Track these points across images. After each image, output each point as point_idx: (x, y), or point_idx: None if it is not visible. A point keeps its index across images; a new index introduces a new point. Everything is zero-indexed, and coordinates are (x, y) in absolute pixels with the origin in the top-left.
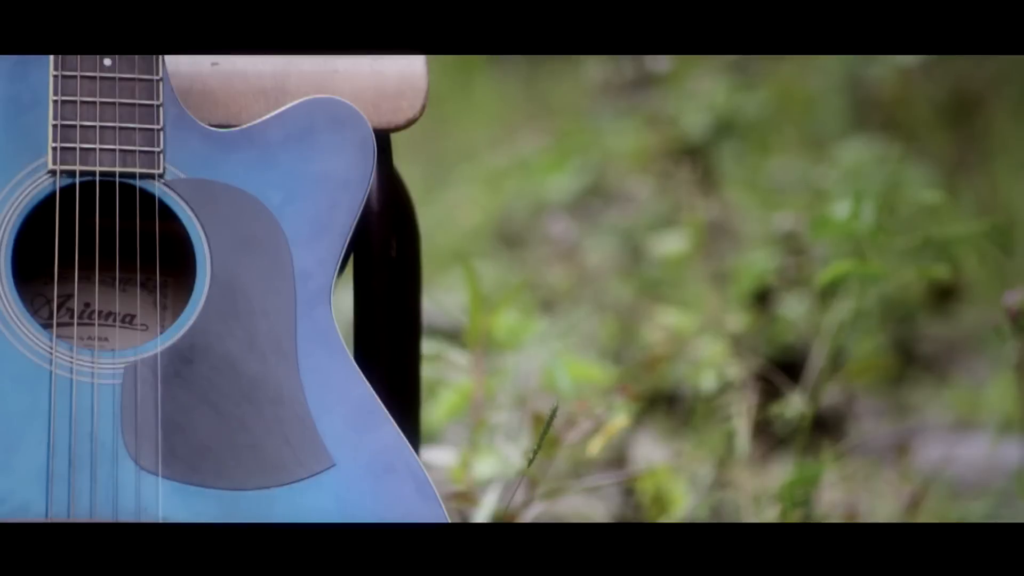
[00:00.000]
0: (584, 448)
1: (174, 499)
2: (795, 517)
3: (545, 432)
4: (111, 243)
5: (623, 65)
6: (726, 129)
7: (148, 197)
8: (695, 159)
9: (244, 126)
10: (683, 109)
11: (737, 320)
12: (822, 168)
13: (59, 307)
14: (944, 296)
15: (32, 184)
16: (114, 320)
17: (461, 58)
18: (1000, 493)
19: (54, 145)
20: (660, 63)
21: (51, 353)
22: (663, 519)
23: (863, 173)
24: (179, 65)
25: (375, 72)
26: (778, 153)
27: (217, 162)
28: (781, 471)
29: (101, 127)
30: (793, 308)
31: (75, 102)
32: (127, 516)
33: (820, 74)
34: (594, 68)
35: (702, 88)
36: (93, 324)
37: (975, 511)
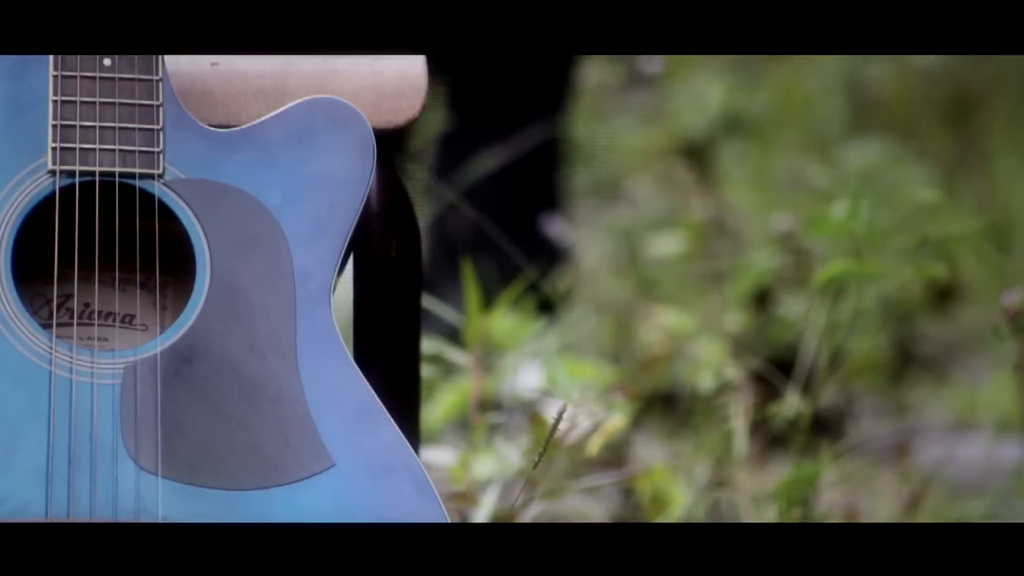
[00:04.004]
0: (583, 448)
1: (174, 499)
2: (793, 517)
3: (552, 434)
4: (111, 243)
5: (621, 65)
6: (725, 129)
7: (148, 197)
8: (693, 159)
9: (244, 126)
10: (682, 109)
11: (735, 320)
12: (821, 168)
13: (59, 307)
14: (943, 296)
15: (32, 184)
16: (114, 320)
17: None
18: (999, 493)
19: (54, 145)
20: (653, 64)
21: (51, 353)
22: (661, 519)
23: (862, 173)
24: (179, 65)
25: (375, 72)
26: (777, 153)
27: (217, 162)
28: (780, 471)
29: (101, 127)
30: (792, 308)
31: (75, 102)
32: (127, 516)
33: (820, 74)
34: (592, 68)
35: (701, 88)
36: (93, 324)
37: (975, 511)
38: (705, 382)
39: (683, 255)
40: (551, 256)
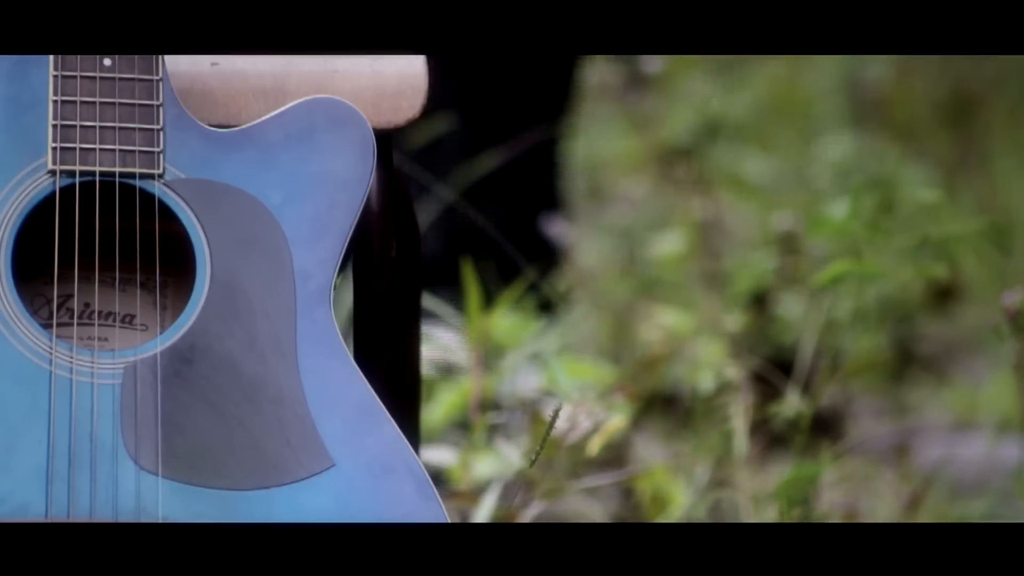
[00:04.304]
0: (583, 448)
1: (174, 499)
2: (793, 517)
3: (548, 431)
4: (111, 243)
5: (617, 65)
6: (722, 129)
7: (148, 197)
8: (690, 159)
9: (244, 126)
10: (678, 109)
11: (734, 320)
12: (820, 167)
13: (59, 307)
14: (943, 296)
15: (32, 184)
16: (114, 320)
17: None
18: (1000, 493)
19: (54, 145)
20: (652, 64)
21: (51, 353)
22: (661, 519)
23: (860, 172)
24: (179, 65)
25: (375, 72)
26: (775, 153)
27: (217, 162)
28: (780, 471)
29: (101, 127)
30: (791, 308)
31: (75, 102)
32: (127, 516)
33: (818, 74)
34: (589, 69)
35: (700, 88)
36: (93, 324)
37: (975, 511)
38: (705, 382)
39: (682, 255)
40: (551, 256)
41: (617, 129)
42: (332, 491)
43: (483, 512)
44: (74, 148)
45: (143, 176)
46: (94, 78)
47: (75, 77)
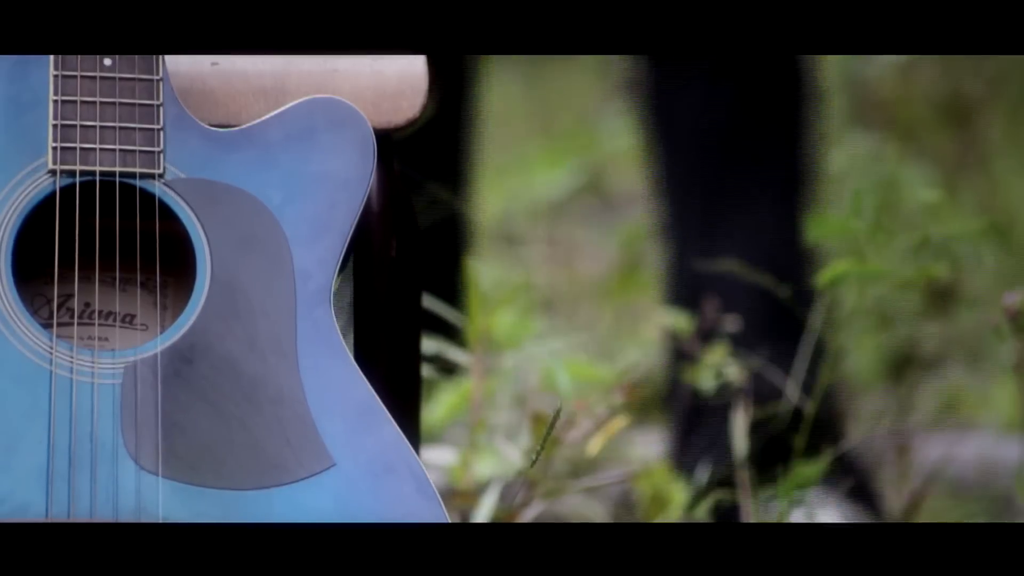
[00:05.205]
0: (584, 448)
1: (174, 499)
2: (793, 517)
3: (550, 431)
4: (111, 243)
5: (619, 65)
6: None
7: (148, 197)
8: None
9: (244, 126)
10: None
11: (735, 320)
12: (819, 167)
13: (59, 307)
14: (943, 296)
15: (32, 184)
16: (114, 320)
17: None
18: (1000, 493)
19: (54, 145)
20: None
21: (51, 353)
22: (661, 519)
23: (861, 172)
24: (179, 65)
25: (375, 72)
26: None
27: (217, 162)
28: (780, 471)
29: (101, 127)
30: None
31: (75, 102)
32: (127, 516)
33: (819, 73)
34: (593, 68)
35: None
36: (93, 324)
37: (975, 511)
38: (705, 382)
39: None
40: (551, 256)
41: (620, 128)
42: (332, 491)
43: (483, 512)
44: (74, 148)
45: (143, 176)
46: (94, 78)
47: (75, 77)
